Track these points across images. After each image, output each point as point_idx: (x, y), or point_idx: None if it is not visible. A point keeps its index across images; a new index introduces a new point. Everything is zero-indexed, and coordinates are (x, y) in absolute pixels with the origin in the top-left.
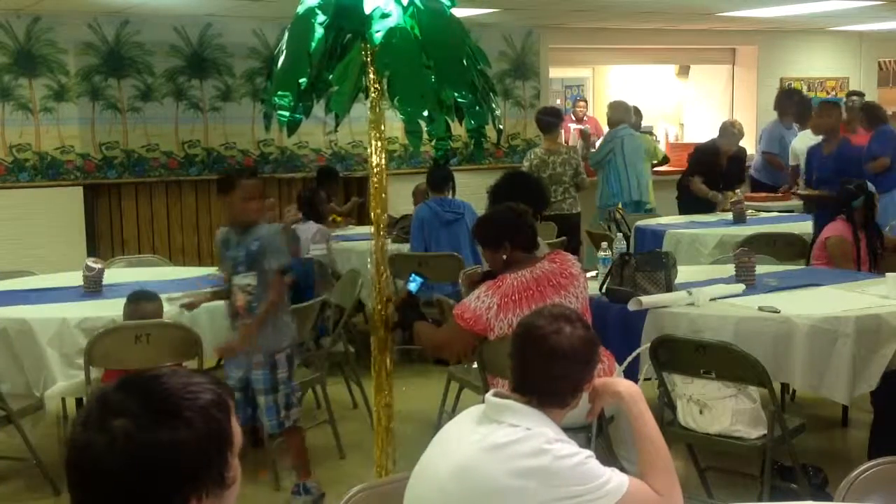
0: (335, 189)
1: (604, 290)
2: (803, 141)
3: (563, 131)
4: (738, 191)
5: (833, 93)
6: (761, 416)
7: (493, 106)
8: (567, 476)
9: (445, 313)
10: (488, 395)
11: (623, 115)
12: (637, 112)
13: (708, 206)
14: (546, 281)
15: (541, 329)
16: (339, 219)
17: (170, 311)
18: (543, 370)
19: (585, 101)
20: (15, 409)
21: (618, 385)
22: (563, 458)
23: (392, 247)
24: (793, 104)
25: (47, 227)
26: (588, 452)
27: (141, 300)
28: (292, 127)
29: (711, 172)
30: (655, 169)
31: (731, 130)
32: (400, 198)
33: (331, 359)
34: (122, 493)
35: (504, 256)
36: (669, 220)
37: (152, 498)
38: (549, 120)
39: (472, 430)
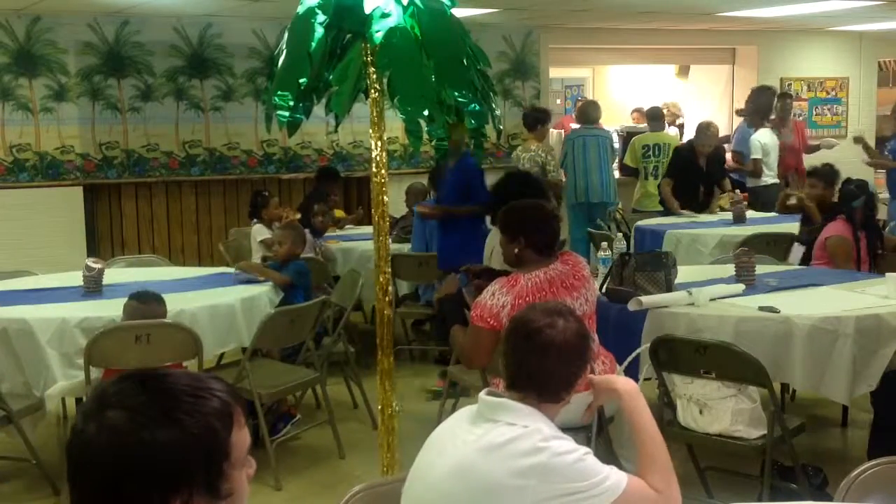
0: (335, 190)
1: (604, 290)
2: (765, 135)
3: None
4: (737, 191)
5: (833, 93)
6: (761, 416)
7: (493, 106)
8: (565, 473)
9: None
10: (482, 395)
11: (580, 118)
12: (659, 115)
13: (695, 206)
14: (559, 282)
15: (534, 322)
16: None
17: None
18: (538, 364)
19: None
20: (15, 409)
21: (615, 382)
22: (561, 454)
23: (392, 247)
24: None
25: (47, 227)
26: (585, 449)
27: (150, 301)
28: (293, 127)
29: (689, 174)
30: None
31: (706, 131)
32: (400, 198)
33: (331, 359)
34: (99, 483)
35: (516, 251)
36: (669, 221)
37: (127, 493)
38: (535, 116)
39: (467, 430)
